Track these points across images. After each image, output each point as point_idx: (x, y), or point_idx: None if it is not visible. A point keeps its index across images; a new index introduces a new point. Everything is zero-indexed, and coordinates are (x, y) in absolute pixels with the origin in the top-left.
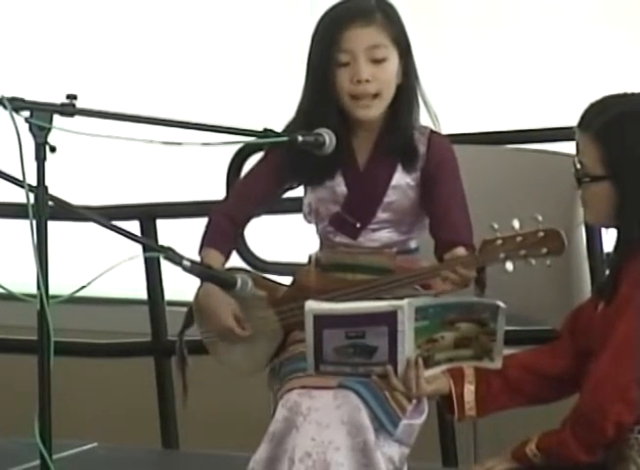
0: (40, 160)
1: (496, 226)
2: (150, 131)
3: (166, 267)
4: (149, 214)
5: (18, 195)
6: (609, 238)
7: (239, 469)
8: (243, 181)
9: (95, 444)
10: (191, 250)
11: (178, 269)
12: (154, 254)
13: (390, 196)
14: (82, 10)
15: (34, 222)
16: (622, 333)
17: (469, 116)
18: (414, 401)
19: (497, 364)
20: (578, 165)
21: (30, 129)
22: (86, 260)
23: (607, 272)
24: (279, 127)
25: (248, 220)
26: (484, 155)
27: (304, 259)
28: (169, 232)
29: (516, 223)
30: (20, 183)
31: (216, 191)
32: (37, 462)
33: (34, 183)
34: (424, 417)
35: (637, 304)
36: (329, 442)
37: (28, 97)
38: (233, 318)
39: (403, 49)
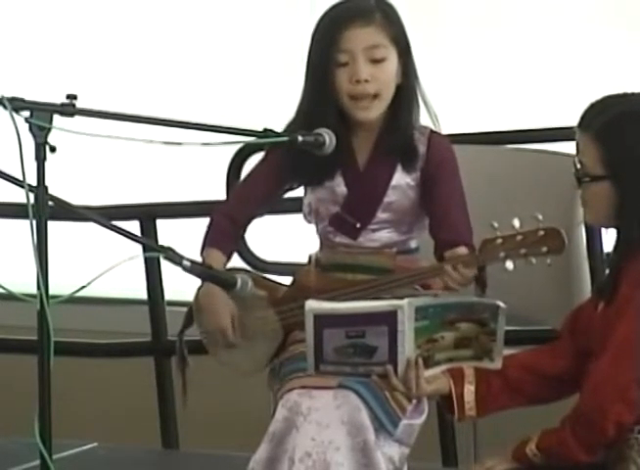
0: (40, 160)
1: (496, 225)
2: (150, 131)
3: (166, 267)
4: (149, 214)
5: (18, 195)
6: (609, 238)
7: (239, 469)
8: (243, 182)
9: (95, 444)
10: (191, 250)
11: (178, 269)
12: (154, 254)
13: (390, 196)
14: (82, 10)
15: (34, 222)
16: (622, 333)
17: (469, 116)
18: (414, 401)
19: (497, 364)
20: (578, 165)
21: (30, 129)
22: (86, 260)
23: (607, 272)
24: (279, 127)
25: (249, 221)
26: (484, 155)
27: (304, 259)
28: (169, 232)
29: (516, 222)
30: (20, 183)
31: (216, 191)
32: (37, 462)
33: (34, 183)
34: (424, 417)
35: (637, 304)
36: (329, 442)
37: (28, 97)
38: (230, 320)
39: (403, 49)
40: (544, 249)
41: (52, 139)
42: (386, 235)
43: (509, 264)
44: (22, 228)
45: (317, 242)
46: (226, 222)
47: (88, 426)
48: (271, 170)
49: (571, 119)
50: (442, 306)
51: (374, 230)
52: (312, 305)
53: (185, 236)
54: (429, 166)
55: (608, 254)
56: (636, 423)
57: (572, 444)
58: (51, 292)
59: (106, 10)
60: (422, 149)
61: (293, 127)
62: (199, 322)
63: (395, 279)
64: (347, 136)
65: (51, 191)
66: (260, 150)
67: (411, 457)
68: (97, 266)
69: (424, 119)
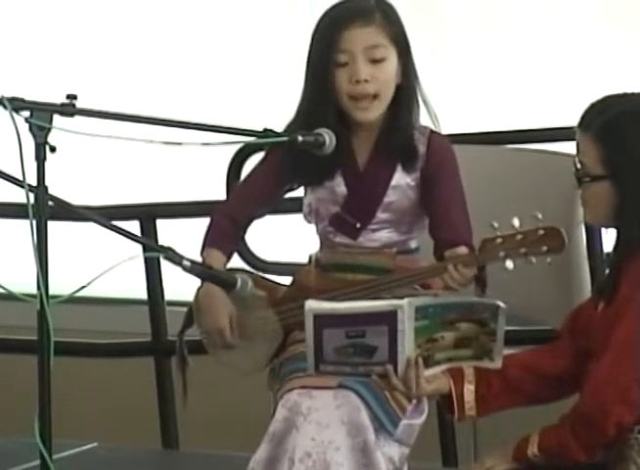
0: (40, 160)
1: (496, 225)
2: (150, 131)
3: (166, 267)
4: (149, 214)
5: (18, 195)
6: (609, 238)
7: (239, 469)
8: (243, 182)
9: (95, 444)
10: (191, 250)
11: (178, 269)
12: (154, 254)
13: (390, 196)
14: (82, 10)
15: (34, 222)
16: (623, 334)
17: (469, 116)
18: (414, 401)
19: (497, 364)
20: (579, 165)
21: (30, 129)
22: (86, 260)
23: (607, 272)
24: (279, 127)
25: (249, 222)
26: (484, 155)
27: (304, 259)
28: (169, 232)
29: (516, 222)
30: (20, 183)
31: (216, 191)
32: (37, 462)
33: (34, 183)
34: (424, 417)
35: (637, 304)
36: (329, 442)
37: (28, 97)
38: (228, 320)
39: (402, 49)
40: (544, 248)
41: (52, 139)
42: (386, 235)
43: (509, 264)
44: (23, 228)
45: (317, 242)
46: (226, 222)
47: (88, 426)
48: (271, 171)
49: (572, 119)
50: (442, 306)
51: (374, 230)
52: (312, 304)
53: (185, 236)
54: (429, 166)
55: (608, 254)
56: (636, 423)
57: (573, 444)
58: (51, 292)
59: (106, 10)
60: (422, 149)
61: (293, 127)
62: (198, 322)
63: (395, 279)
64: (347, 136)
65: (51, 191)
66: (260, 150)
67: (411, 457)
68: (97, 266)
69: (424, 119)
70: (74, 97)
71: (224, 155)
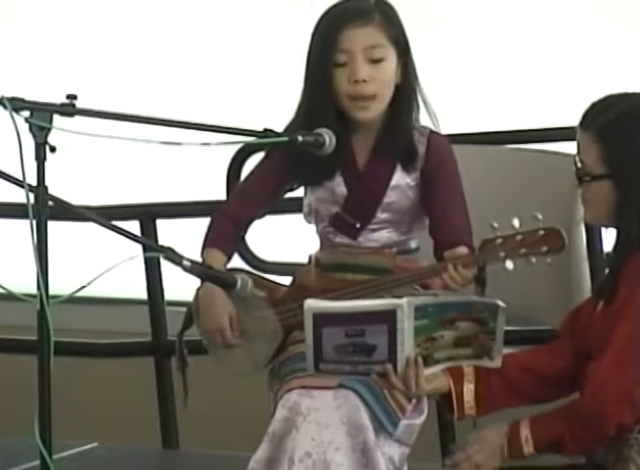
0: (40, 160)
1: (496, 225)
2: (149, 131)
3: (166, 267)
4: (149, 214)
5: (18, 195)
6: (609, 238)
7: (239, 469)
8: (243, 183)
9: (95, 444)
10: (191, 250)
11: (178, 269)
12: (154, 254)
13: (390, 196)
14: (82, 10)
15: (34, 222)
16: (623, 334)
17: (469, 116)
18: (414, 401)
19: (497, 363)
20: (579, 164)
21: (30, 129)
22: (86, 260)
23: (607, 272)
24: (279, 127)
25: (250, 222)
26: (484, 155)
27: (304, 259)
28: (169, 232)
29: (516, 222)
30: (20, 183)
31: (216, 191)
32: (37, 462)
33: (34, 183)
34: (424, 417)
35: (637, 304)
36: (329, 442)
37: (28, 97)
38: (228, 320)
39: (402, 49)
40: (544, 248)
41: (52, 139)
42: (385, 235)
43: (509, 264)
44: (23, 228)
45: (317, 242)
46: (227, 223)
47: (88, 426)
48: (271, 171)
49: (572, 119)
50: (442, 305)
51: (374, 230)
52: (311, 303)
53: (185, 236)
54: (428, 167)
55: (608, 254)
56: (636, 423)
57: (569, 442)
58: (51, 292)
59: (106, 10)
60: (421, 149)
61: (293, 127)
62: (198, 323)
63: (395, 279)
64: (347, 136)
65: (51, 191)
66: (260, 150)
67: (411, 457)
68: (97, 266)
69: (424, 119)
70: (74, 97)
71: (224, 155)
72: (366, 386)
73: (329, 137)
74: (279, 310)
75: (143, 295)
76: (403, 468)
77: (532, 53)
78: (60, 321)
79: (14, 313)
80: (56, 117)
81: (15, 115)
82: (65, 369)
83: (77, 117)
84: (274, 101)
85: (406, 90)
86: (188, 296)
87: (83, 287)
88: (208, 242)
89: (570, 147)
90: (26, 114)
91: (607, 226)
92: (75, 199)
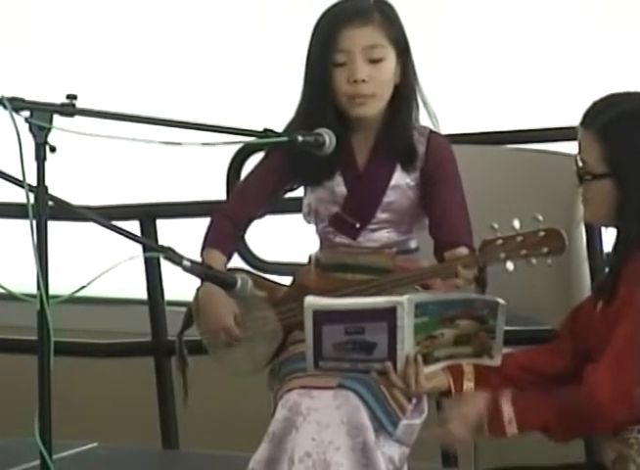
0: (40, 160)
1: (496, 226)
2: (149, 131)
3: (166, 267)
4: (149, 214)
5: (18, 195)
6: (609, 238)
7: (239, 469)
8: (243, 183)
9: (95, 444)
10: (191, 250)
11: (178, 269)
12: (154, 254)
13: (390, 196)
14: (82, 10)
15: (34, 222)
16: (623, 334)
17: (469, 116)
18: (414, 401)
19: (496, 362)
20: (580, 163)
21: (30, 129)
22: (86, 260)
23: (606, 272)
24: (279, 127)
25: (249, 222)
26: (484, 155)
27: (304, 259)
28: (169, 232)
29: (516, 223)
30: (20, 183)
31: (216, 191)
32: (37, 462)
33: (34, 183)
34: (424, 417)
35: (637, 304)
36: (329, 442)
37: (28, 97)
38: (233, 318)
39: (401, 49)
40: (545, 250)
41: (52, 139)
42: (385, 235)
43: (509, 265)
44: (23, 228)
45: (317, 242)
46: (226, 223)
47: (88, 426)
48: (271, 171)
49: (572, 119)
50: (442, 303)
51: (373, 230)
52: (311, 301)
53: (185, 236)
54: (428, 167)
55: (608, 253)
56: (636, 423)
57: (557, 429)
58: (51, 292)
59: (106, 10)
60: (421, 149)
61: (292, 127)
62: (199, 323)
63: (396, 279)
64: (347, 136)
65: (51, 191)
66: (260, 150)
67: (411, 457)
68: (97, 266)
69: (423, 119)
70: (74, 97)
71: (224, 155)
72: (366, 386)
73: (329, 137)
74: (279, 310)
75: (143, 295)
76: (403, 468)
77: (532, 53)
78: (60, 321)
79: (14, 313)
80: (56, 117)
81: (15, 115)
82: (65, 369)
83: (77, 117)
84: (274, 101)
85: (406, 90)
86: (188, 296)
87: (83, 287)
88: (208, 242)
89: (570, 147)
90: (26, 114)
91: (607, 226)
92: (75, 199)
